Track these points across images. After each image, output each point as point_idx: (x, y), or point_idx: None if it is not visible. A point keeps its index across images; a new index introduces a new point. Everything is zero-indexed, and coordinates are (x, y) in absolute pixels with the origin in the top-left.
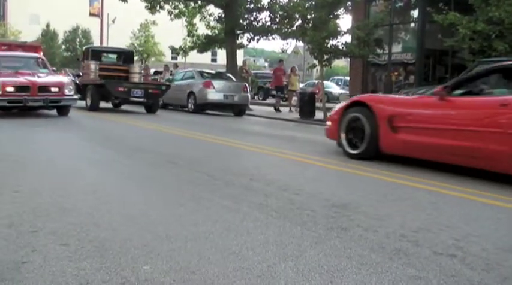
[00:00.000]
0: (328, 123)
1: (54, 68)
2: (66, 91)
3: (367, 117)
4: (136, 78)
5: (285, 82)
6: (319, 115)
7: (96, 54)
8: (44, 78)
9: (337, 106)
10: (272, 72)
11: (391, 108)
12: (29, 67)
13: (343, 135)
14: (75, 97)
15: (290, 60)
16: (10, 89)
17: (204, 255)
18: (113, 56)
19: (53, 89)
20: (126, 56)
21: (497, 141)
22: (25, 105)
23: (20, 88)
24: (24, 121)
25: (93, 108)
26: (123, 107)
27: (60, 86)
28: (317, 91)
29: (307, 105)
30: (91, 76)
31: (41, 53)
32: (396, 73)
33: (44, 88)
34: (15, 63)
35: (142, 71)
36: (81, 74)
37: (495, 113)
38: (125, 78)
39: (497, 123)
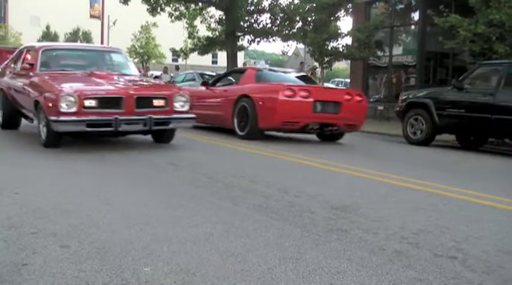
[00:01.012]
0: None
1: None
2: (177, 106)
3: None
4: None
5: None
6: None
7: None
8: (139, 83)
9: None
10: None
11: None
12: (101, 66)
13: None
14: (191, 115)
15: (291, 62)
16: (91, 103)
17: (204, 257)
18: None
19: (156, 102)
20: None
21: (221, 110)
22: (116, 130)
23: (107, 101)
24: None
25: None
26: None
27: (169, 97)
28: None
29: None
30: None
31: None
32: (397, 75)
33: (144, 100)
34: (81, 60)
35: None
36: None
37: (221, 95)
38: None
39: (218, 101)
